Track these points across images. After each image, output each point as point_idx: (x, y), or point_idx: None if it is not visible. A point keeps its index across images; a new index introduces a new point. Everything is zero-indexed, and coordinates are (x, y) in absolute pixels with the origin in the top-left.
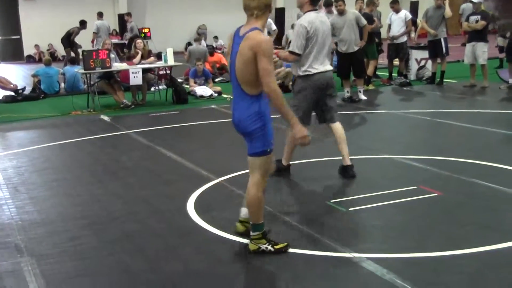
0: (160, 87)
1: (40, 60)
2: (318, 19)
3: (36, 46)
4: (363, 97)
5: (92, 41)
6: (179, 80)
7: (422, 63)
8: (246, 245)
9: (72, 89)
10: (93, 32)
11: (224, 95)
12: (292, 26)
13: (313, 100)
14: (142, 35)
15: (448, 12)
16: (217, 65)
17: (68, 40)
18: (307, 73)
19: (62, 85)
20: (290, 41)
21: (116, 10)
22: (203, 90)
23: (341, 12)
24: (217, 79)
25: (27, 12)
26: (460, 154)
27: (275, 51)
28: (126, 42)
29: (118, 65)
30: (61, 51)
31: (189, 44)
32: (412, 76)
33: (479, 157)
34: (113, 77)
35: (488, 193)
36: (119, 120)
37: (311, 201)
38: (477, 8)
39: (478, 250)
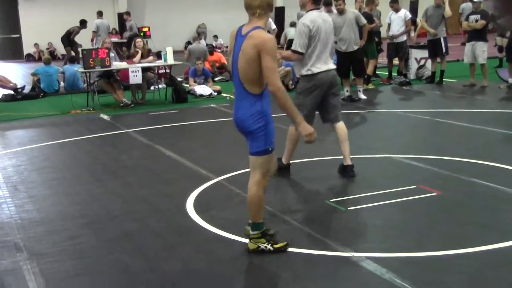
0: (160, 86)
1: (39, 59)
2: (321, 18)
3: (36, 45)
4: (362, 96)
5: (92, 40)
6: (178, 79)
7: (422, 62)
8: (246, 244)
9: (72, 88)
10: (93, 31)
11: (223, 94)
12: (291, 24)
13: (316, 99)
14: (142, 34)
15: (448, 11)
16: (217, 64)
17: (68, 39)
18: (310, 72)
19: (62, 84)
20: (289, 40)
21: (116, 9)
22: (202, 89)
23: (341, 11)
24: (216, 78)
25: (26, 10)
26: (459, 154)
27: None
28: (126, 40)
29: (117, 64)
30: (60, 50)
31: (188, 43)
32: (411, 75)
33: (479, 157)
34: (113, 76)
35: (488, 192)
36: (118, 119)
37: (311, 201)
38: (476, 7)
39: (477, 250)
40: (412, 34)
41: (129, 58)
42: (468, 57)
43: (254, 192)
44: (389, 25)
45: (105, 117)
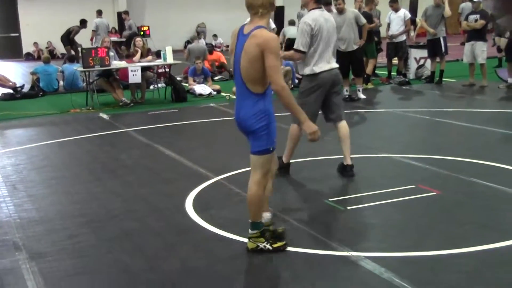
0: (159, 85)
1: (39, 58)
2: (323, 17)
3: (35, 43)
4: (362, 96)
5: (91, 39)
6: (178, 78)
7: (421, 62)
8: (245, 243)
9: (71, 87)
10: (92, 30)
11: (223, 94)
12: (290, 23)
13: (319, 98)
14: (141, 33)
15: (447, 11)
16: (216, 64)
17: (68, 38)
18: (312, 72)
19: (61, 83)
20: (287, 38)
21: (115, 8)
22: (202, 89)
23: (341, 11)
24: (216, 78)
25: (26, 9)
26: (459, 153)
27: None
28: (125, 39)
29: (117, 63)
30: (60, 49)
31: (188, 42)
32: (411, 75)
33: (478, 156)
34: (112, 75)
35: (487, 192)
36: (118, 118)
37: (310, 200)
38: (476, 7)
39: (476, 249)
40: (412, 33)
41: (128, 57)
42: (468, 57)
43: (254, 192)
44: (388, 24)
45: (105, 116)
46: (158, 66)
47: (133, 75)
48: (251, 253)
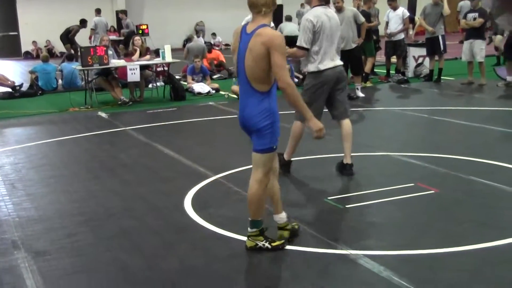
0: (158, 84)
1: (37, 57)
2: (326, 14)
3: (34, 42)
4: (360, 94)
5: (90, 38)
6: (177, 77)
7: (420, 60)
8: (243, 242)
9: (70, 86)
10: (91, 29)
11: (221, 92)
12: (286, 19)
13: (324, 95)
14: (140, 32)
15: (446, 9)
16: (215, 62)
17: (67, 37)
18: (317, 69)
19: (60, 81)
20: (285, 36)
21: (114, 7)
22: (200, 87)
23: (339, 9)
24: (214, 76)
25: (24, 8)
26: (457, 152)
27: None
28: (122, 38)
29: (116, 62)
30: (58, 47)
31: (187, 41)
32: (409, 73)
33: (477, 155)
34: (111, 74)
35: (486, 190)
36: (116, 116)
37: (309, 198)
38: (475, 5)
39: (475, 247)
40: (410, 32)
41: (127, 56)
42: (466, 55)
43: (255, 190)
44: (387, 23)
45: (103, 115)
46: (157, 65)
47: (132, 73)
48: (250, 252)
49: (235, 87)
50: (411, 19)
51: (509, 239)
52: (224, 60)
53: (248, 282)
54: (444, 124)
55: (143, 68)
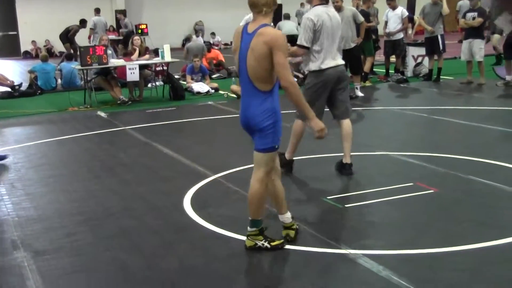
0: (157, 83)
1: (37, 56)
2: (327, 13)
3: (33, 42)
4: (360, 93)
5: (89, 37)
6: (176, 77)
7: (419, 60)
8: (243, 241)
9: (69, 85)
10: (90, 28)
11: (221, 92)
12: (285, 17)
13: (325, 94)
14: (139, 31)
15: (445, 9)
16: (214, 62)
17: (66, 36)
18: (319, 68)
19: (59, 81)
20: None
21: (113, 6)
22: (200, 87)
23: (338, 9)
24: (214, 76)
25: (24, 8)
26: (457, 151)
27: None
28: (121, 38)
29: (115, 61)
30: (58, 47)
31: (186, 40)
32: (409, 73)
33: (476, 154)
34: (110, 73)
35: (485, 190)
36: (116, 116)
37: (308, 198)
38: (474, 4)
39: (474, 247)
40: (410, 31)
41: (126, 55)
42: (465, 55)
43: (256, 189)
44: (386, 22)
45: (103, 114)
46: (156, 64)
47: (131, 73)
48: (250, 251)
49: (234, 87)
50: (411, 19)
51: (509, 238)
52: (223, 60)
53: (247, 282)
54: (444, 123)
55: (142, 67)
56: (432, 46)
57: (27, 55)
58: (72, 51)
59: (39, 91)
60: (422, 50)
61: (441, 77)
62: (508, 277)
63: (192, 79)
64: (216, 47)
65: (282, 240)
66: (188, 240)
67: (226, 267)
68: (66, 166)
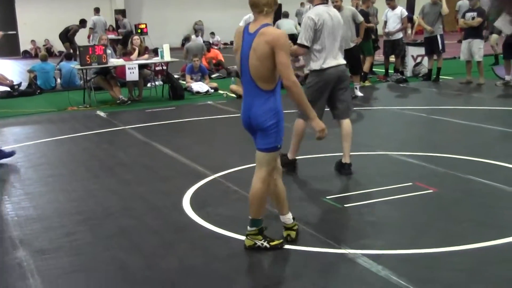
0: (157, 83)
1: (36, 56)
2: (328, 12)
3: (33, 41)
4: (359, 93)
5: (88, 37)
6: (175, 76)
7: (419, 59)
8: (242, 241)
9: (68, 85)
10: (90, 28)
11: (220, 91)
12: (283, 15)
13: (326, 94)
14: (139, 31)
15: (445, 8)
16: (214, 61)
17: (66, 36)
18: (320, 67)
19: (58, 80)
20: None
21: (112, 6)
22: (199, 86)
23: (338, 8)
24: (213, 75)
25: (23, 7)
26: (456, 151)
27: None
28: (120, 38)
29: (114, 61)
30: (57, 46)
31: (185, 40)
32: (408, 72)
33: (475, 154)
34: (110, 73)
35: (484, 190)
36: (115, 115)
37: (307, 198)
38: (473, 4)
39: (474, 247)
40: (409, 31)
41: (125, 55)
42: (465, 55)
43: (258, 189)
44: (385, 22)
45: (102, 114)
46: (155, 64)
47: (131, 72)
48: (249, 251)
49: (234, 86)
50: (410, 19)
51: (508, 238)
52: (222, 59)
53: (247, 281)
54: (443, 123)
55: (141, 67)
56: (431, 46)
57: (26, 55)
58: (71, 50)
59: (38, 91)
60: (421, 50)
61: (440, 77)
62: (506, 277)
63: (191, 78)
64: (216, 47)
65: (281, 240)
66: (187, 239)
67: (226, 267)
68: (65, 166)
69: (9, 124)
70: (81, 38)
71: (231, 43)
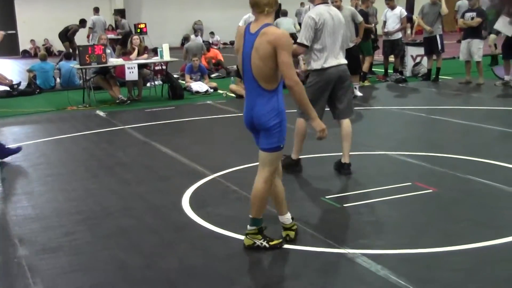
0: (156, 82)
1: (35, 55)
2: (328, 11)
3: (32, 41)
4: (358, 93)
5: (88, 36)
6: (175, 76)
7: (418, 59)
8: (241, 241)
9: (68, 84)
10: (89, 27)
11: (220, 91)
12: (282, 13)
13: (326, 93)
14: (138, 30)
15: (444, 8)
16: (213, 61)
17: (66, 35)
18: (321, 67)
19: (58, 80)
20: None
21: (112, 6)
22: (199, 86)
23: (337, 8)
24: (213, 75)
25: (22, 7)
26: (455, 151)
27: None
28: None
29: (114, 61)
30: (57, 46)
31: (184, 40)
32: (407, 72)
33: (475, 154)
34: (109, 73)
35: (484, 189)
36: (114, 115)
37: (307, 197)
38: (473, 5)
39: (473, 246)
40: (409, 31)
41: (125, 55)
42: (464, 55)
43: (261, 188)
44: (384, 22)
45: (101, 113)
46: (155, 64)
47: (130, 72)
48: (249, 251)
49: (233, 86)
50: (409, 19)
51: (507, 238)
52: (222, 59)
53: (247, 281)
54: (442, 123)
55: (141, 66)
56: (430, 46)
57: (25, 54)
58: (71, 50)
59: (37, 90)
60: (420, 50)
61: (439, 77)
62: (504, 276)
63: (191, 78)
64: (215, 47)
65: (280, 240)
66: (187, 239)
67: (225, 267)
68: (64, 165)
69: (8, 124)
70: (80, 38)
71: (231, 42)
